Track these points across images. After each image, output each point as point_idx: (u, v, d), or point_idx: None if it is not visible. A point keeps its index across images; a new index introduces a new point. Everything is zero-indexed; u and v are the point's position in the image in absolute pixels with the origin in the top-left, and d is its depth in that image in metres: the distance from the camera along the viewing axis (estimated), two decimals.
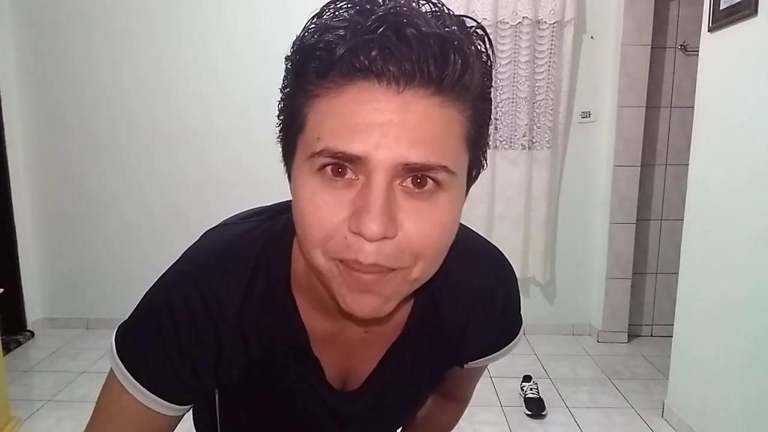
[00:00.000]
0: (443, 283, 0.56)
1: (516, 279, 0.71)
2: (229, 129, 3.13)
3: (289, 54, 0.48)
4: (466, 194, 0.50)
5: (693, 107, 2.26)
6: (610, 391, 2.64)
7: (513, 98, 3.05)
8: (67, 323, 3.36)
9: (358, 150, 0.42)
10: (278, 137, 0.51)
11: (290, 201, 0.51)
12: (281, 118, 0.50)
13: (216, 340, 0.55)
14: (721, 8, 2.02)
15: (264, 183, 3.17)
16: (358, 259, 0.44)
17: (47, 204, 3.29)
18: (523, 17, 2.95)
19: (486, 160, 0.52)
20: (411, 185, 0.45)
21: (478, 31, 0.46)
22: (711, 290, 2.10)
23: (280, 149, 0.51)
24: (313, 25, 0.46)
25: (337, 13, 0.45)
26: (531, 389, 2.49)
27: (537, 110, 3.07)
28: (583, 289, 3.32)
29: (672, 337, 2.36)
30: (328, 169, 0.44)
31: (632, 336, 3.25)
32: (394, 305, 0.49)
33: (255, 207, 0.63)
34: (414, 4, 0.44)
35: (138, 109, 3.18)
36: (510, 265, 0.70)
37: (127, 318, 0.60)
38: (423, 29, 0.41)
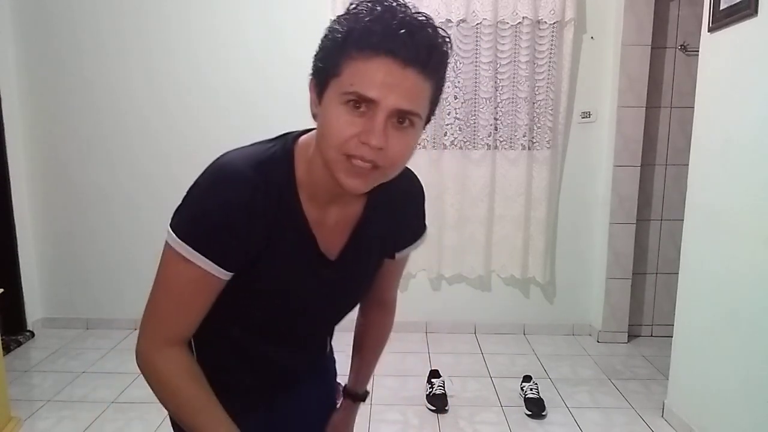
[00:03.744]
0: (389, 186, 0.81)
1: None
2: (230, 132, 3.13)
3: (333, 26, 0.74)
4: (421, 135, 0.80)
5: (693, 107, 2.26)
6: (610, 391, 2.64)
7: (513, 98, 3.05)
8: (67, 323, 3.36)
9: (374, 96, 0.70)
10: (312, 77, 0.77)
11: (278, 137, 0.84)
12: (318, 65, 0.75)
13: (251, 210, 0.76)
14: (721, 8, 2.02)
15: None
16: (363, 155, 0.72)
17: (47, 204, 3.29)
18: (523, 17, 2.95)
19: (434, 115, 0.80)
20: (397, 122, 0.73)
21: (445, 33, 0.74)
22: (711, 290, 2.10)
23: (312, 86, 0.77)
24: (353, 11, 0.72)
25: (367, 7, 0.71)
26: (531, 389, 2.49)
27: (537, 110, 3.07)
28: (583, 289, 3.32)
29: (672, 337, 2.37)
30: (352, 103, 0.71)
31: (632, 336, 3.25)
32: (369, 187, 0.77)
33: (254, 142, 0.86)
34: (416, 14, 0.72)
35: (139, 110, 3.18)
36: (421, 184, 1.00)
37: (179, 205, 0.79)
38: (422, 33, 0.71)
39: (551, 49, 2.99)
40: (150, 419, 2.33)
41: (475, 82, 3.05)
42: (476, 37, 3.01)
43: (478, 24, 2.98)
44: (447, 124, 3.10)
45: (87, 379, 2.70)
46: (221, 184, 0.77)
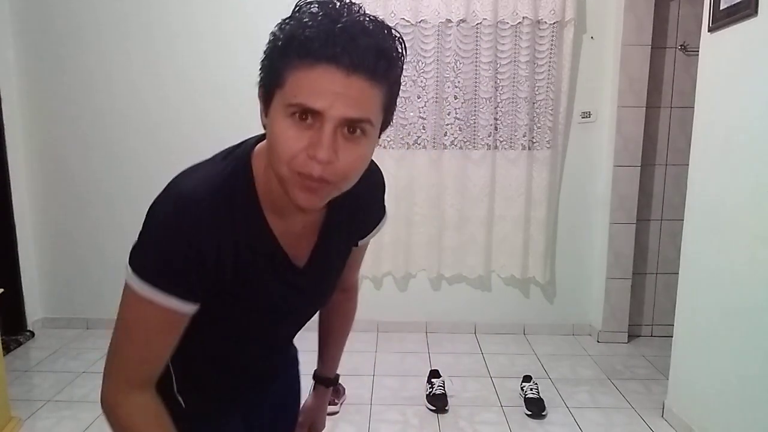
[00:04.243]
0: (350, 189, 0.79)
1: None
2: (231, 130, 3.12)
3: (276, 32, 0.70)
4: (377, 143, 0.76)
5: (693, 107, 2.26)
6: (610, 391, 2.64)
7: (513, 98, 3.05)
8: (67, 323, 3.37)
9: (319, 107, 0.66)
10: (259, 86, 0.73)
11: (232, 149, 0.81)
12: (263, 75, 0.72)
13: (216, 238, 0.74)
14: (721, 8, 2.02)
15: None
16: (311, 173, 0.68)
17: (47, 204, 3.29)
18: (523, 17, 2.95)
19: (392, 121, 0.77)
20: (347, 132, 0.69)
21: (398, 34, 0.71)
22: (711, 290, 2.10)
23: (260, 96, 0.73)
24: (296, 15, 0.69)
25: (311, 11, 0.67)
26: (531, 389, 2.49)
27: (537, 110, 3.07)
28: (583, 289, 3.32)
29: (672, 337, 2.37)
30: (297, 115, 0.68)
31: (632, 336, 3.25)
32: (324, 202, 0.75)
33: (207, 158, 0.82)
34: (361, 18, 0.68)
35: (139, 109, 3.18)
36: (382, 173, 0.99)
37: (136, 243, 0.76)
38: (367, 38, 0.66)
39: (551, 49, 2.99)
40: None
41: (475, 82, 3.05)
42: (476, 37, 3.01)
43: (478, 24, 2.98)
44: (447, 124, 3.11)
45: (87, 379, 2.70)
46: (181, 216, 0.72)
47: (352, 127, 0.69)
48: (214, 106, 3.14)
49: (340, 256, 0.96)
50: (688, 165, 2.28)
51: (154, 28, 3.11)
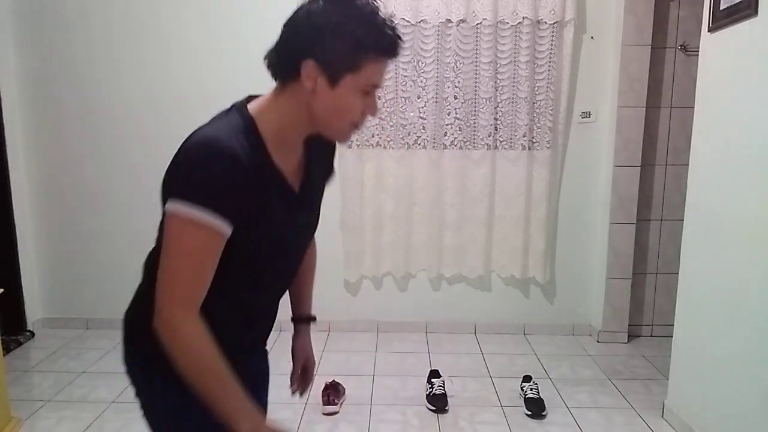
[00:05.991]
0: None
1: None
2: None
3: (347, 25, 0.88)
4: None
5: (693, 107, 2.26)
6: (610, 391, 2.64)
7: (513, 98, 3.05)
8: (67, 323, 3.37)
9: (381, 84, 0.97)
10: (325, 62, 0.89)
11: (227, 111, 0.98)
12: (333, 60, 0.89)
13: (242, 165, 0.88)
14: (721, 8, 2.02)
15: None
16: (361, 124, 0.98)
17: (47, 204, 3.29)
18: (523, 17, 2.95)
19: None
20: None
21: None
22: (711, 290, 2.10)
23: (325, 69, 0.90)
24: (358, 12, 0.90)
25: (376, 15, 0.91)
26: (531, 389, 2.49)
27: (537, 110, 3.07)
28: (583, 289, 3.32)
29: (672, 337, 2.37)
30: (364, 90, 0.93)
31: (632, 336, 3.25)
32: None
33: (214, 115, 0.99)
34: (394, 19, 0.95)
35: (138, 109, 3.18)
36: None
37: (174, 182, 0.88)
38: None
39: (551, 49, 3.00)
40: None
41: (475, 82, 3.05)
42: (476, 37, 3.01)
43: (478, 24, 2.98)
44: (447, 124, 3.11)
45: (87, 379, 2.70)
46: (215, 153, 0.86)
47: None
48: (211, 108, 3.13)
49: (320, 190, 1.14)
50: (688, 165, 2.28)
51: (154, 29, 3.11)
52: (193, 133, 0.91)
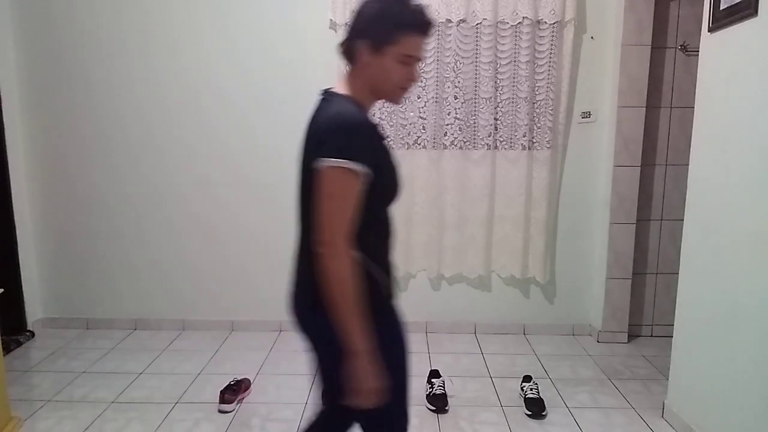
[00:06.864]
0: None
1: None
2: (229, 132, 3.13)
3: (390, 6, 1.20)
4: None
5: (693, 107, 2.26)
6: (610, 391, 2.64)
7: (513, 98, 3.05)
8: (67, 323, 3.37)
9: (421, 56, 1.25)
10: (371, 38, 1.19)
11: (328, 96, 1.26)
12: (375, 35, 1.19)
13: (374, 127, 1.22)
14: (721, 8, 2.02)
15: (260, 185, 3.19)
16: (407, 87, 1.26)
17: (47, 204, 3.29)
18: (523, 17, 2.95)
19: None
20: None
21: None
22: (711, 290, 2.10)
23: (369, 44, 1.20)
24: (402, 3, 1.20)
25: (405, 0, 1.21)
26: (531, 389, 2.49)
27: (537, 110, 3.07)
28: (583, 289, 3.32)
29: (672, 337, 2.36)
30: (404, 61, 1.21)
31: (632, 336, 3.25)
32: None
33: (341, 104, 1.23)
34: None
35: (139, 109, 3.18)
36: None
37: (331, 145, 1.13)
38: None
39: (551, 49, 3.00)
40: (150, 419, 2.33)
41: (475, 82, 3.05)
42: (476, 37, 3.01)
43: (478, 24, 2.98)
44: (447, 124, 3.11)
45: (87, 379, 2.70)
46: (357, 119, 1.18)
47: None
48: (213, 109, 3.14)
49: None
50: (688, 165, 2.27)
51: (155, 31, 3.11)
52: (330, 113, 1.18)
